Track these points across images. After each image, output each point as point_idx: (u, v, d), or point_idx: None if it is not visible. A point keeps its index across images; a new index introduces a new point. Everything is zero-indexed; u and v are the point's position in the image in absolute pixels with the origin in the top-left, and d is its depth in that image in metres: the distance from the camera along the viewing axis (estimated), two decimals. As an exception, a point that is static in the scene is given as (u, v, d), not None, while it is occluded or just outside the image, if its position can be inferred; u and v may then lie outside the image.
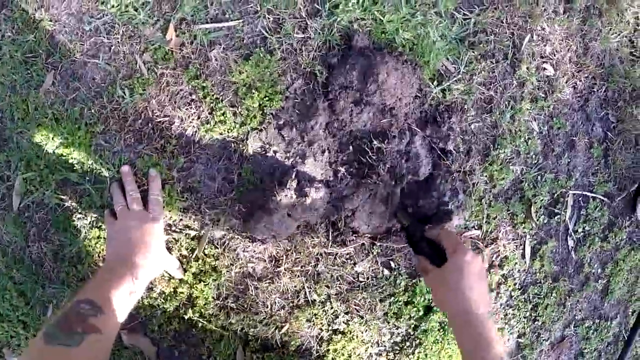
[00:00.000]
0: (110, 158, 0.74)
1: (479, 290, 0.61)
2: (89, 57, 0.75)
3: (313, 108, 0.70)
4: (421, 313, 0.83)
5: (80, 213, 0.76)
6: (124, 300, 0.61)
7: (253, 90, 0.71)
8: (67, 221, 0.77)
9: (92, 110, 0.74)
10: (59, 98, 0.75)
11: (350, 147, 0.72)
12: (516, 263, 0.89)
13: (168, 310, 0.77)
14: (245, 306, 0.76)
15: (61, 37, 0.76)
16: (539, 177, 0.88)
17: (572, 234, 0.93)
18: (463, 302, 0.60)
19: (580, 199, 0.93)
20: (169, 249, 0.74)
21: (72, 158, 0.75)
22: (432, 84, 0.76)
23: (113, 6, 0.75)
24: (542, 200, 0.88)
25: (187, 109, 0.73)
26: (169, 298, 0.77)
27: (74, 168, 0.75)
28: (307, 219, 0.70)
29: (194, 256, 0.74)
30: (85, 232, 0.77)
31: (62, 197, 0.76)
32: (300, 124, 0.70)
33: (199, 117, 0.73)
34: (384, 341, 0.83)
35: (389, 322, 0.82)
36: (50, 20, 0.76)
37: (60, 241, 0.78)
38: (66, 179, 0.76)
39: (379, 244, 0.77)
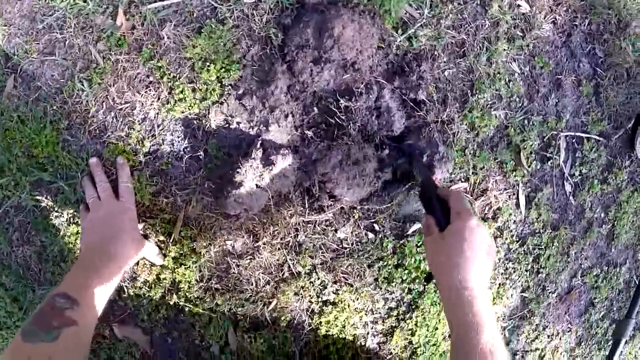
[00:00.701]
0: (78, 152, 0.73)
1: (478, 263, 0.53)
2: (46, 55, 0.74)
3: (272, 73, 0.67)
4: (413, 275, 0.80)
5: (56, 211, 0.76)
6: (99, 290, 0.60)
7: (209, 64, 0.69)
8: (45, 221, 0.76)
9: (55, 107, 0.73)
10: (22, 100, 0.75)
11: (315, 109, 0.69)
12: (511, 214, 0.85)
13: (154, 298, 0.76)
14: (230, 285, 0.75)
15: (17, 40, 0.75)
16: (526, 121, 0.83)
17: (569, 178, 0.88)
18: (457, 273, 0.52)
19: (573, 140, 0.88)
20: (146, 236, 0.73)
21: (41, 157, 0.74)
22: (397, 32, 0.72)
23: (62, 0, 0.74)
24: (531, 145, 0.84)
25: (146, 92, 0.71)
26: (153, 286, 0.76)
27: (45, 167, 0.75)
28: (278, 188, 0.68)
29: (171, 240, 0.73)
30: (64, 230, 0.76)
31: (38, 197, 0.76)
32: (260, 90, 0.67)
33: (158, 99, 0.71)
34: (378, 308, 0.80)
35: (380, 288, 0.79)
36: (5, 25, 0.75)
37: (42, 242, 0.78)
38: (39, 179, 0.75)
39: (359, 206, 0.74)
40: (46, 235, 0.77)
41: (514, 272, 0.89)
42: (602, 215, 0.94)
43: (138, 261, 0.74)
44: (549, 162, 0.86)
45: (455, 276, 0.52)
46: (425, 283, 0.80)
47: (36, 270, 0.80)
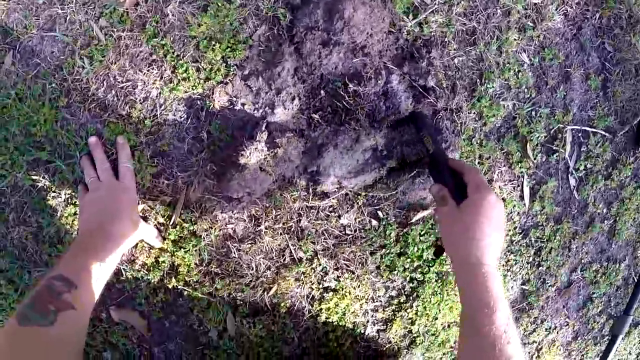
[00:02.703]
0: (77, 131, 0.71)
1: (494, 239, 0.52)
2: (46, 31, 0.72)
3: (279, 54, 0.66)
4: (415, 264, 0.79)
5: (54, 191, 0.74)
6: (98, 273, 0.58)
7: (214, 42, 0.67)
8: (42, 202, 0.75)
9: (54, 85, 0.71)
10: (20, 77, 0.73)
11: (322, 92, 0.67)
12: (515, 205, 0.84)
13: (152, 281, 0.75)
14: (230, 270, 0.74)
15: (16, 15, 0.73)
16: (534, 113, 0.82)
17: (573, 172, 0.88)
18: (473, 249, 0.51)
19: (579, 134, 0.87)
20: (146, 218, 0.72)
21: (39, 136, 0.73)
22: (407, 17, 0.70)
23: (64, -26, 0.71)
24: (538, 137, 0.83)
25: (148, 70, 0.70)
26: (151, 269, 0.74)
27: (43, 146, 0.73)
28: (282, 172, 0.67)
29: (171, 223, 0.71)
30: (61, 210, 0.74)
31: (35, 177, 0.74)
32: (267, 72, 0.66)
33: (161, 77, 0.70)
34: (379, 296, 0.80)
35: (382, 276, 0.79)
36: (4, 0, 0.72)
37: (38, 223, 0.76)
38: (37, 159, 0.73)
39: (364, 193, 0.73)
40: (43, 215, 0.76)
41: (515, 264, 0.89)
42: (605, 210, 0.94)
43: (137, 243, 0.73)
44: (555, 155, 0.86)
45: (471, 252, 0.51)
46: (434, 257, 0.77)
47: (32, 251, 0.78)
